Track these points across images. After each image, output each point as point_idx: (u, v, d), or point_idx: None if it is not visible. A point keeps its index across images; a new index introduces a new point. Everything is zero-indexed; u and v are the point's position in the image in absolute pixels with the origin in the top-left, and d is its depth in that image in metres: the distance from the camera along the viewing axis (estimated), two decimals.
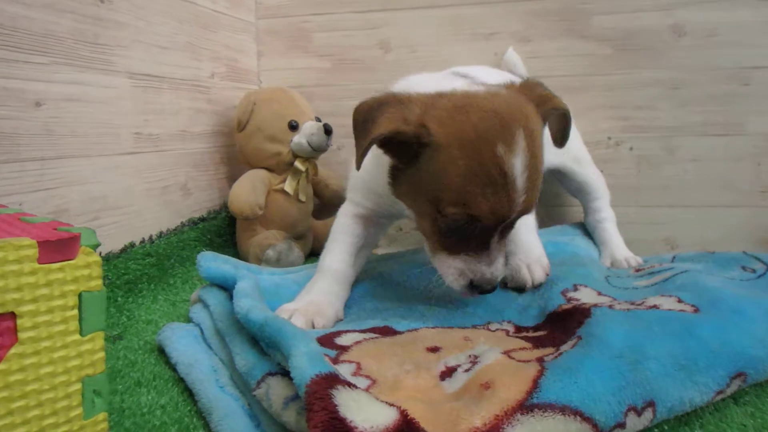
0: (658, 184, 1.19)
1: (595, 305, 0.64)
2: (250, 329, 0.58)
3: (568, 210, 1.25)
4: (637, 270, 0.90)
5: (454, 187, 0.57)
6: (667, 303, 0.64)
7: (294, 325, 0.55)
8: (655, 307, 0.63)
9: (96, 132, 0.87)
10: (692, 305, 0.63)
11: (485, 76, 0.77)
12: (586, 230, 1.10)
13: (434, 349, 0.60)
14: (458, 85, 0.64)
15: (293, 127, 1.12)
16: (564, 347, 0.57)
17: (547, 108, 0.63)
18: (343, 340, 0.62)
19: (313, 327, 0.67)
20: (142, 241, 0.97)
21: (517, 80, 0.68)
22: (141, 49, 0.96)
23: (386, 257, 1.00)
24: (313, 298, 0.72)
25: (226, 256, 0.85)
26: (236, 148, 1.16)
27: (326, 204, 1.25)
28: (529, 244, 0.77)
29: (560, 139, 0.67)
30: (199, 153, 1.13)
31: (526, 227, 0.77)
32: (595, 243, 1.06)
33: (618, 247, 1.01)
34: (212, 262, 0.77)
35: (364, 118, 0.59)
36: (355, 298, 0.79)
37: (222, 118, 1.18)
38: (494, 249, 0.62)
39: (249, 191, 1.06)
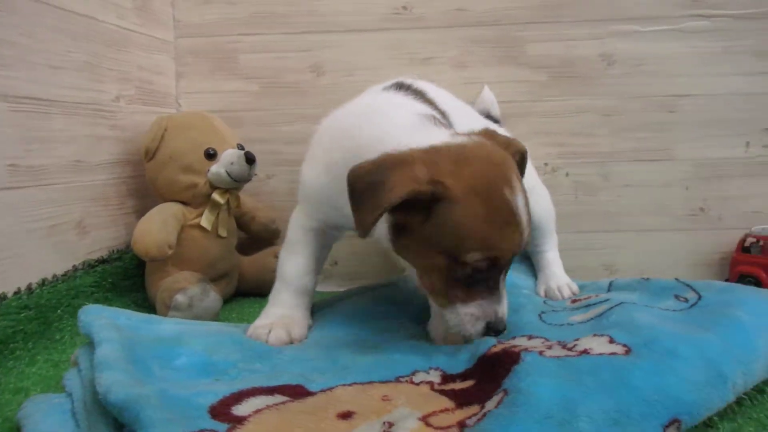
0: (595, 209, 1.13)
1: (526, 349, 0.57)
2: (111, 411, 0.48)
3: None
4: (574, 300, 0.85)
5: (475, 234, 0.58)
6: (599, 346, 0.59)
7: (155, 410, 0.45)
8: (585, 352, 0.57)
9: None
10: (624, 345, 0.58)
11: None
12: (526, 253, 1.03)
13: (347, 415, 0.51)
14: (433, 132, 0.64)
15: (211, 155, 0.95)
16: (489, 404, 0.50)
17: (512, 151, 0.66)
18: (242, 409, 0.51)
19: (291, 339, 0.70)
20: (17, 292, 0.76)
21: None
22: (25, 69, 0.78)
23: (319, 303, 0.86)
24: (282, 312, 0.73)
25: (118, 309, 0.69)
26: (146, 179, 0.96)
27: (254, 238, 1.08)
28: None
29: (520, 174, 0.69)
30: (99, 185, 0.93)
31: None
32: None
33: (554, 275, 0.95)
34: (93, 317, 0.62)
35: (368, 183, 0.57)
36: None
37: (130, 146, 1.00)
38: (502, 289, 0.64)
39: (158, 228, 0.88)
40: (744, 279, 1.02)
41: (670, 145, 1.11)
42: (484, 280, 0.61)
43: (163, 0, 1.11)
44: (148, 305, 0.92)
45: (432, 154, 0.59)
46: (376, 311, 0.81)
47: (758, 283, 0.99)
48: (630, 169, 1.12)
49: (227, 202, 0.97)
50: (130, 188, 1.00)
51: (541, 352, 0.57)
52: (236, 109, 1.15)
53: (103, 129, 0.94)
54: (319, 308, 0.84)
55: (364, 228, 0.57)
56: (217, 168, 0.95)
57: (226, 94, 1.15)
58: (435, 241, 0.59)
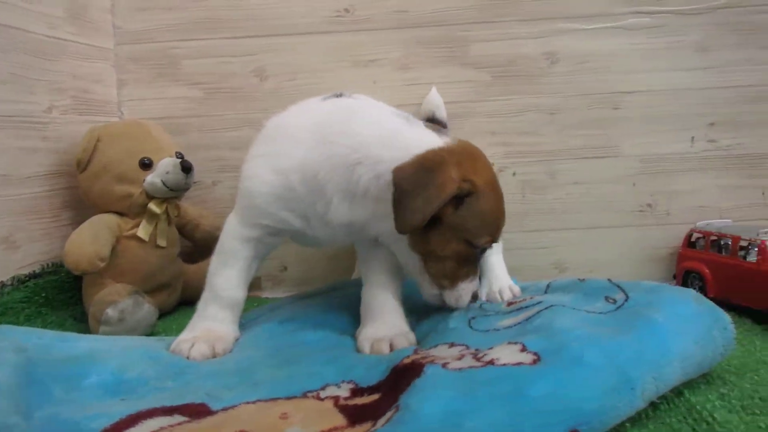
0: (543, 208, 1.12)
1: (432, 362, 0.55)
2: None
3: None
4: (510, 303, 0.83)
5: (489, 220, 0.69)
6: (508, 355, 0.56)
7: None
8: (491, 362, 0.54)
9: None
10: (534, 353, 0.55)
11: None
12: None
13: None
14: (421, 129, 0.70)
15: (146, 165, 0.92)
16: (380, 422, 0.48)
17: None
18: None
19: (214, 353, 0.68)
20: None
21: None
22: None
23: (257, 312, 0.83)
24: (208, 326, 0.72)
25: (30, 329, 0.67)
26: (80, 191, 0.94)
27: (199, 246, 1.06)
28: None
29: None
30: (30, 198, 0.91)
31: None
32: None
33: (497, 279, 0.92)
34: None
35: (415, 183, 0.63)
36: None
37: (65, 156, 0.97)
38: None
39: (89, 241, 0.85)
40: (689, 275, 1.01)
41: (616, 141, 1.10)
42: (477, 260, 0.73)
43: (102, 7, 1.08)
44: (86, 320, 0.90)
45: (450, 154, 0.66)
46: (308, 321, 0.79)
47: (702, 279, 0.98)
48: (577, 167, 1.10)
49: (166, 211, 0.95)
50: (66, 200, 0.97)
51: (445, 364, 0.54)
52: (180, 115, 1.12)
53: (33, 141, 0.91)
54: (251, 317, 0.81)
55: (412, 224, 0.64)
56: (152, 178, 0.92)
57: (170, 101, 1.12)
58: (459, 229, 0.67)
